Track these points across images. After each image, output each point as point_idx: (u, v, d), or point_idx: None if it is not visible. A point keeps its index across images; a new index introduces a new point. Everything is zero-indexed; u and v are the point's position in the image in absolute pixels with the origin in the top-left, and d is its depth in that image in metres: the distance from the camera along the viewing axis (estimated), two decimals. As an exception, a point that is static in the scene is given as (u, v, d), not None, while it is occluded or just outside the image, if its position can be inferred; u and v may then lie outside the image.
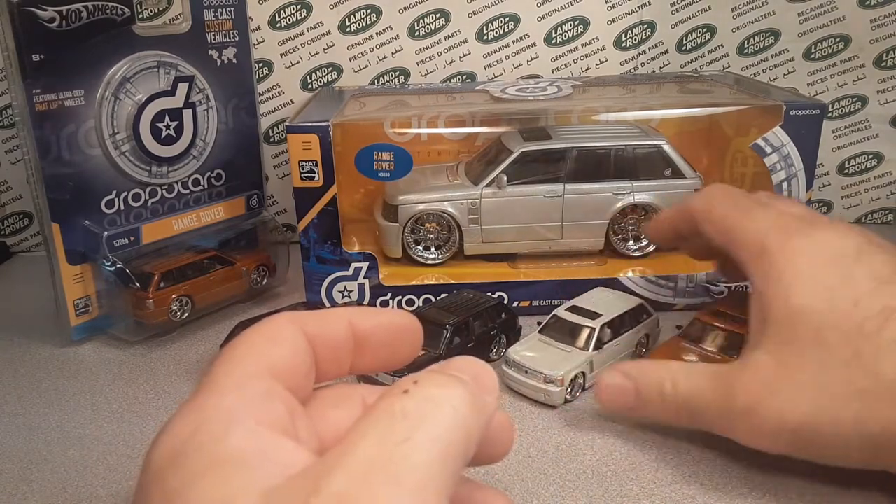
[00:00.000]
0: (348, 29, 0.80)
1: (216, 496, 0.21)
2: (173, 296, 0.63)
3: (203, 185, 0.69)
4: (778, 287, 0.41)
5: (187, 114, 0.66)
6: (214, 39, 0.66)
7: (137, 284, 0.62)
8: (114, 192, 0.63)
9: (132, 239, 0.63)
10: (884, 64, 0.82)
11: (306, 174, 0.62)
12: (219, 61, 0.67)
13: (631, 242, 0.71)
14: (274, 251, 0.73)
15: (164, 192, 0.66)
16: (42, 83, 0.57)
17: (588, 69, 0.83)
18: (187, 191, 0.68)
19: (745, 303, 0.58)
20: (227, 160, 0.70)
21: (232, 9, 0.67)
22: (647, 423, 0.50)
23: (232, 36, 0.67)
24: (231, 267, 0.68)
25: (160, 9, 0.78)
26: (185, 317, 0.65)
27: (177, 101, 0.65)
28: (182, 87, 0.65)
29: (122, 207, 0.64)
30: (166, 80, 0.64)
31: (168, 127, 0.65)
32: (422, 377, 0.25)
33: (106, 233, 0.62)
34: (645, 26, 0.82)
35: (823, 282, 0.40)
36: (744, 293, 0.64)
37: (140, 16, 0.78)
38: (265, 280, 0.71)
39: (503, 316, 0.60)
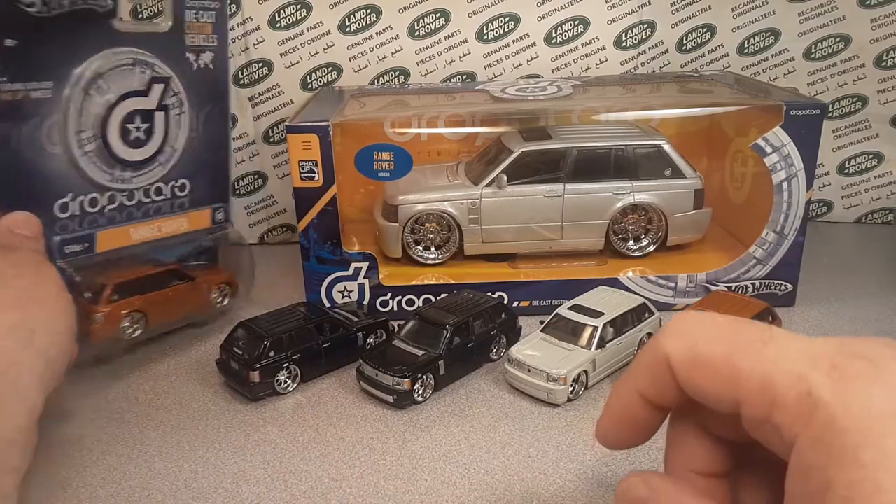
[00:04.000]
0: (348, 29, 0.80)
1: None
2: (125, 311, 0.58)
3: (165, 195, 0.63)
4: (854, 471, 0.24)
5: (159, 116, 0.62)
6: (193, 42, 0.63)
7: (89, 295, 0.57)
8: (69, 195, 0.57)
9: (86, 245, 0.58)
10: (884, 64, 0.82)
11: (306, 174, 0.62)
12: (195, 65, 0.64)
13: (631, 242, 0.71)
14: (238, 267, 0.68)
15: (123, 198, 0.61)
16: (11, 72, 0.52)
17: (588, 69, 0.83)
18: (148, 199, 0.62)
19: (725, 301, 0.58)
20: (193, 170, 0.65)
21: (213, 13, 0.64)
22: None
23: (211, 40, 0.64)
24: (191, 283, 0.63)
25: (159, 10, 0.77)
26: (136, 335, 0.59)
27: (150, 103, 0.61)
28: (157, 88, 0.61)
29: (78, 212, 0.58)
30: (141, 80, 0.60)
31: (138, 129, 0.60)
32: None
33: (57, 237, 0.56)
34: (645, 26, 0.82)
35: None
36: (725, 292, 0.64)
37: (139, 16, 0.78)
38: (226, 300, 0.66)
39: (503, 316, 0.60)
